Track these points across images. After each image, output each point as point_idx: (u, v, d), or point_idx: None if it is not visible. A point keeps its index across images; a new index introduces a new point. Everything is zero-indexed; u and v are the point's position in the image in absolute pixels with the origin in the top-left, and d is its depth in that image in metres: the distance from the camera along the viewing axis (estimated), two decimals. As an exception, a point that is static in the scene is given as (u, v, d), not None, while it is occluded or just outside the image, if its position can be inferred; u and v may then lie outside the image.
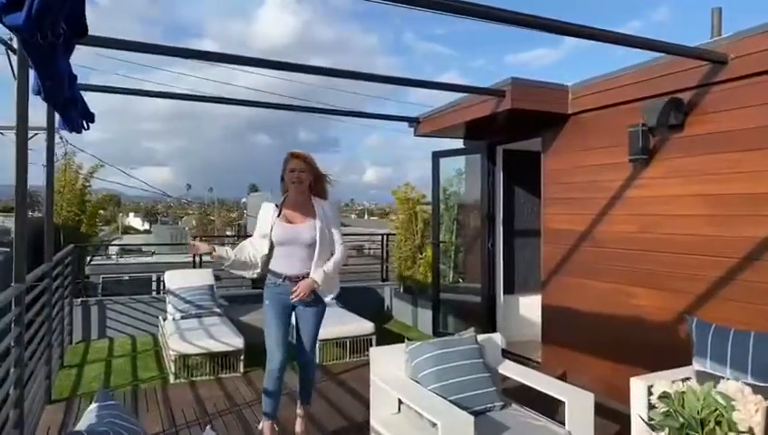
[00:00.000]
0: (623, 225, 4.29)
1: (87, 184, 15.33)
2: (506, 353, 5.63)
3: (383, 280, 8.55)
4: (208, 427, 2.29)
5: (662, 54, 3.77)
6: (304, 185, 3.24)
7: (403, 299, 7.90)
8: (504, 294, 5.99)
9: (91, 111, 4.11)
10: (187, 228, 55.67)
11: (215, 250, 3.19)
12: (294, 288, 3.18)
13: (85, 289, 9.35)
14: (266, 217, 3.27)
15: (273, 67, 4.05)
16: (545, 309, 5.12)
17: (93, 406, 1.80)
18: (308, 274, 3.22)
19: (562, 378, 4.82)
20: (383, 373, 3.28)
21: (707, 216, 3.67)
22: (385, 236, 8.79)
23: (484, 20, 3.00)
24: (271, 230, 3.21)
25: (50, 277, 4.27)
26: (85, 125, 4.28)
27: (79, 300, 6.51)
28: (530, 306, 5.87)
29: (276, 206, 3.29)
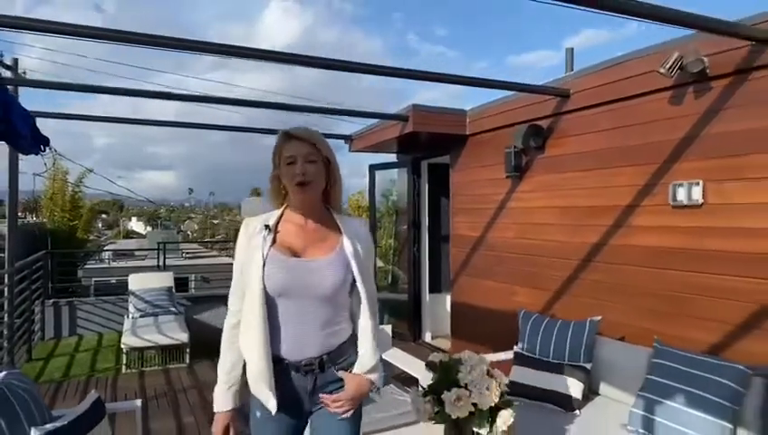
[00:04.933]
0: (507, 232, 4.94)
1: (77, 190, 16.12)
2: (427, 345, 6.36)
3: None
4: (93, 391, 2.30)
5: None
6: (316, 188, 1.75)
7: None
8: (430, 292, 6.64)
9: (45, 135, 4.79)
10: (189, 232, 56.55)
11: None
12: (335, 397, 1.76)
13: (75, 292, 10.11)
14: (249, 245, 1.76)
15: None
16: (453, 305, 5.78)
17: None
18: (330, 357, 1.77)
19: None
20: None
21: (560, 225, 4.32)
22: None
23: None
24: (263, 269, 1.70)
25: (12, 280, 4.95)
26: (42, 148, 4.98)
27: (50, 301, 7.20)
28: (454, 304, 6.53)
29: (267, 227, 1.76)
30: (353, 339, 1.84)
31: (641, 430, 2.71)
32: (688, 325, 3.27)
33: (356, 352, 1.83)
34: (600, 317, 3.42)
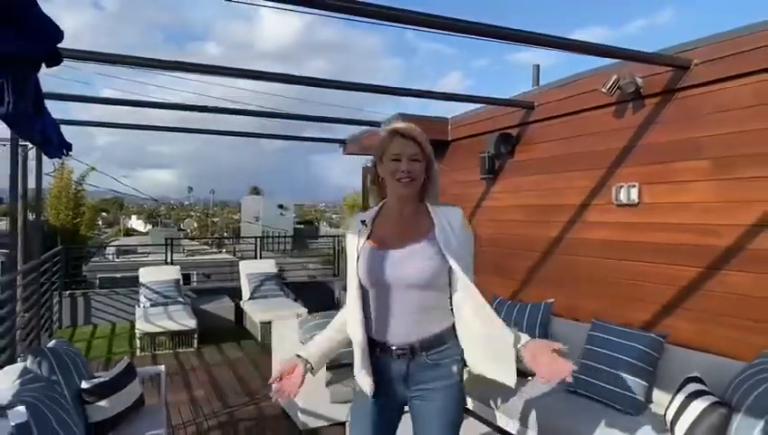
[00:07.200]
0: (484, 228, 5.51)
1: (80, 188, 16.62)
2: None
3: (335, 276, 9.79)
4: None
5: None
6: (416, 185, 1.85)
7: (348, 291, 9.10)
8: (417, 285, 7.20)
9: (69, 140, 5.35)
10: (189, 230, 57.12)
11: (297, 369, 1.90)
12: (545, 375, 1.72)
13: (80, 284, 10.65)
14: (352, 241, 1.94)
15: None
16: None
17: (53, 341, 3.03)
18: (422, 344, 1.81)
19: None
20: (284, 340, 4.50)
21: (526, 221, 4.89)
22: (337, 238, 10.08)
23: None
24: (356, 263, 1.88)
25: (37, 272, 5.52)
26: (65, 152, 5.54)
27: (67, 292, 7.77)
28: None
29: (363, 222, 1.93)
30: (453, 330, 1.84)
31: (580, 390, 3.29)
32: (627, 306, 3.85)
33: (457, 345, 1.84)
34: (552, 299, 4.00)
